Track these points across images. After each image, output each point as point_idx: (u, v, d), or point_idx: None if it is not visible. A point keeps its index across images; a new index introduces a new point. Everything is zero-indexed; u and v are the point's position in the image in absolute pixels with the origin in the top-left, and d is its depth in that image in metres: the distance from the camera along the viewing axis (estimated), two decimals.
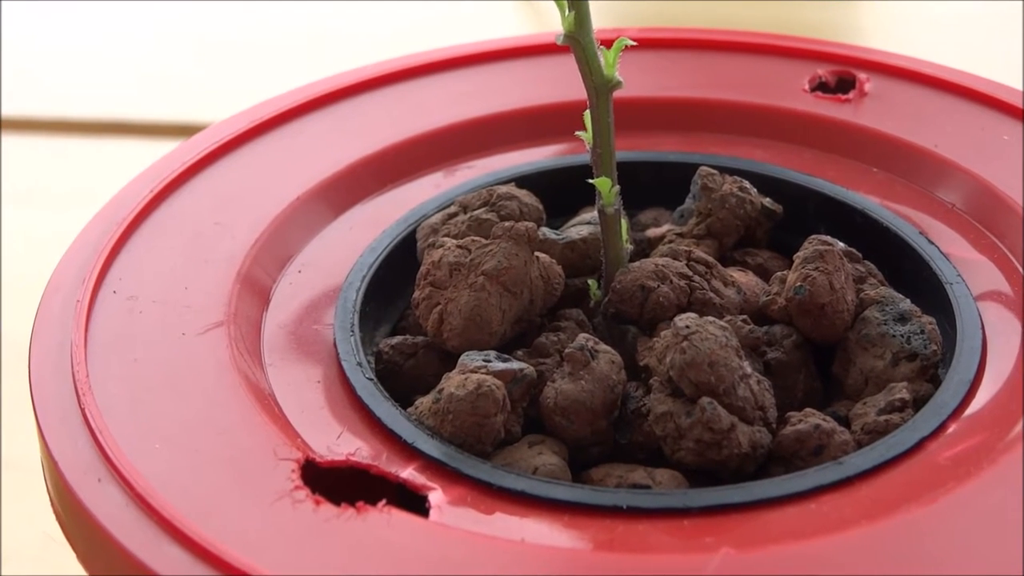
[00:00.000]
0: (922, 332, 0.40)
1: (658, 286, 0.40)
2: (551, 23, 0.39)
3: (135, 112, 0.83)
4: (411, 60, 0.52)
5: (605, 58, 0.39)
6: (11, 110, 0.84)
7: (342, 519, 0.34)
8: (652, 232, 0.45)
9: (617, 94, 0.40)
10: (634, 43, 0.40)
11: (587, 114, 0.40)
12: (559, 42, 0.39)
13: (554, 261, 0.41)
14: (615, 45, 0.39)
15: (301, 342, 0.41)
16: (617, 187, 0.40)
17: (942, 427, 0.37)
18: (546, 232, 0.42)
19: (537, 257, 0.40)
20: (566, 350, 0.38)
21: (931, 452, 0.36)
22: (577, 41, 0.39)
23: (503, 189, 0.44)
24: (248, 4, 0.95)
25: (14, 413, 0.62)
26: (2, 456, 0.60)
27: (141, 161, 0.76)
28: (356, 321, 0.41)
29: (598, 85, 0.39)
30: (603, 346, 0.38)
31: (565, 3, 0.38)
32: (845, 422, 0.38)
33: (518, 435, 0.38)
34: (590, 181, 0.40)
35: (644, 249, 0.44)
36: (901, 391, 0.38)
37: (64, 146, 0.82)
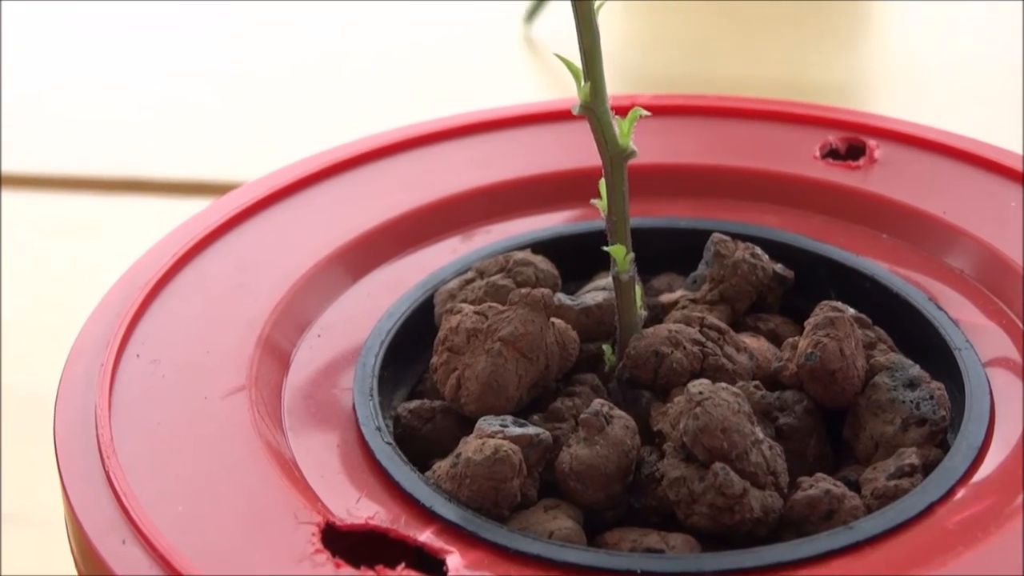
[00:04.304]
0: (931, 398, 0.40)
1: (672, 352, 0.40)
2: (567, 87, 0.39)
3: (144, 169, 0.84)
4: (429, 126, 0.52)
5: (620, 128, 0.40)
6: (12, 165, 0.84)
7: None
8: (666, 298, 0.45)
9: (631, 161, 0.40)
10: (648, 113, 0.40)
11: (602, 182, 0.41)
12: (575, 112, 0.40)
13: (569, 327, 0.42)
14: (629, 115, 0.40)
15: (321, 406, 0.41)
16: (632, 255, 0.41)
17: (951, 492, 0.37)
18: (561, 298, 0.43)
19: (553, 323, 0.41)
20: (581, 415, 0.39)
21: (940, 517, 0.37)
22: (593, 111, 0.40)
23: (519, 255, 0.45)
24: (264, 61, 0.95)
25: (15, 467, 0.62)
26: (2, 510, 0.61)
27: (146, 220, 0.77)
28: (375, 385, 0.42)
29: (613, 155, 0.40)
30: (617, 411, 0.39)
31: (581, 74, 0.39)
32: (856, 487, 0.39)
33: (534, 499, 0.38)
34: (605, 249, 0.41)
35: (658, 315, 0.45)
36: (911, 456, 0.39)
37: (69, 204, 0.82)
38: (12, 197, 0.81)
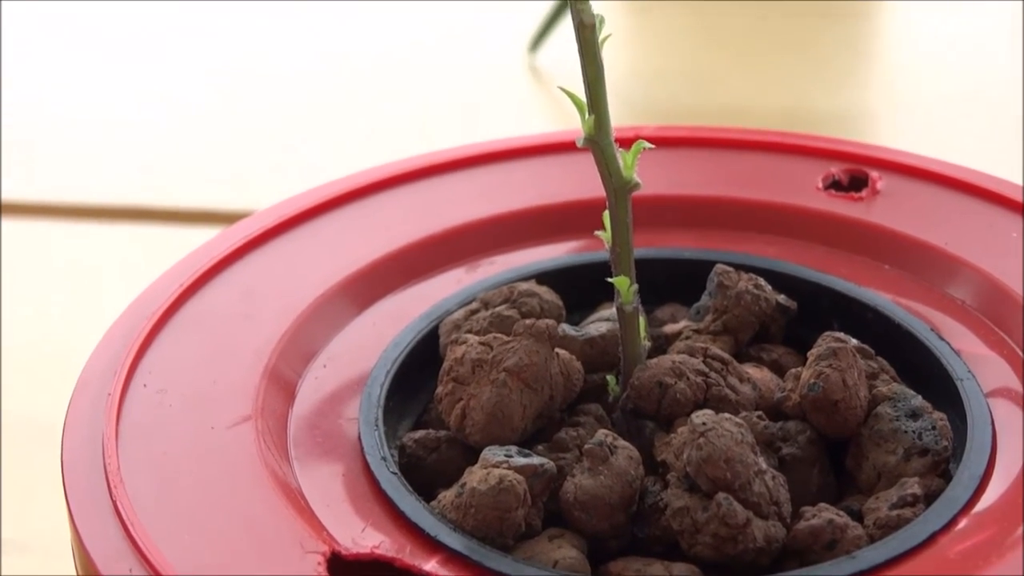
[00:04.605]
0: (933, 428, 0.40)
1: (675, 383, 0.41)
2: (571, 116, 0.40)
3: (146, 197, 0.84)
4: (434, 158, 0.53)
5: (624, 160, 0.40)
6: (12, 193, 0.84)
7: None
8: (669, 328, 0.46)
9: (635, 192, 0.41)
10: (652, 146, 0.41)
11: (606, 214, 0.41)
12: (579, 144, 0.40)
13: (574, 357, 0.42)
14: (633, 148, 0.40)
15: (326, 436, 0.42)
16: (635, 286, 0.41)
17: (953, 522, 0.38)
18: (566, 329, 0.43)
19: (557, 354, 0.41)
20: (585, 446, 0.39)
21: (942, 546, 0.37)
22: (597, 144, 0.40)
23: (524, 286, 0.45)
24: (269, 91, 0.96)
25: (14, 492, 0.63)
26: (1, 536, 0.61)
27: (147, 248, 0.77)
28: (380, 415, 0.42)
29: (617, 187, 0.40)
30: (621, 442, 0.39)
31: (585, 106, 0.40)
32: (858, 516, 0.39)
33: (538, 528, 0.39)
34: (609, 280, 0.41)
35: (661, 345, 0.45)
36: (913, 486, 0.39)
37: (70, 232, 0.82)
38: (13, 225, 0.81)
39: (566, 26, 0.40)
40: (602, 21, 0.39)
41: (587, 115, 0.40)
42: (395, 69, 0.98)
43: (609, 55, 0.39)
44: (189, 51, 1.02)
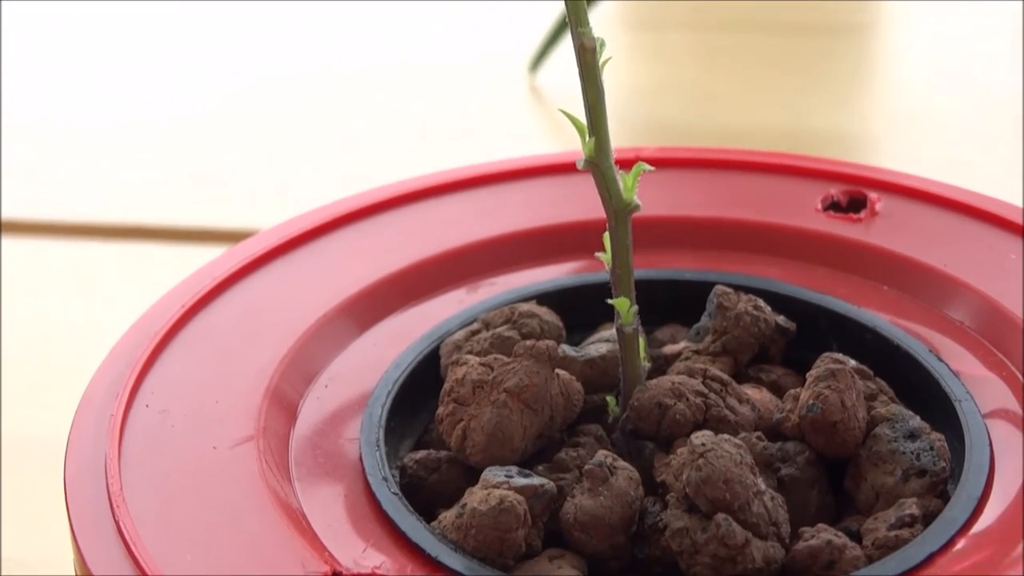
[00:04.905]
0: (931, 449, 0.41)
1: (675, 404, 0.41)
2: (572, 135, 0.40)
3: (149, 216, 0.84)
4: (434, 179, 0.53)
5: (624, 182, 0.41)
6: (12, 212, 0.85)
7: None
8: (669, 349, 0.46)
9: (635, 214, 0.41)
10: (652, 168, 0.41)
11: (606, 235, 0.41)
12: (580, 167, 0.40)
13: (574, 378, 0.42)
14: (633, 170, 0.40)
15: (328, 456, 0.42)
16: (635, 307, 0.41)
17: (951, 542, 0.38)
18: (566, 349, 0.44)
19: (557, 375, 0.42)
20: (585, 466, 0.39)
21: (940, 567, 0.37)
22: (597, 166, 0.40)
23: (524, 307, 0.45)
24: (269, 111, 0.96)
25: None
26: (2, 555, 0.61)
27: (149, 267, 0.77)
28: (381, 436, 0.42)
29: (617, 209, 0.41)
30: (621, 462, 0.39)
31: (586, 129, 0.40)
32: (857, 537, 0.39)
33: (539, 549, 0.39)
34: (609, 301, 0.41)
35: (661, 366, 0.45)
36: (911, 507, 0.39)
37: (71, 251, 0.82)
38: (13, 243, 0.81)
39: (567, 45, 0.40)
40: (602, 44, 0.39)
41: (588, 137, 0.40)
42: (395, 87, 0.98)
43: (609, 73, 0.40)
44: (190, 69, 1.02)
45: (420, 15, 1.07)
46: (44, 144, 0.93)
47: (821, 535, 0.38)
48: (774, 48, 1.01)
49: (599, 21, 0.40)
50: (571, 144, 0.41)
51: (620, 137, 0.41)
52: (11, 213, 0.84)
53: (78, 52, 1.05)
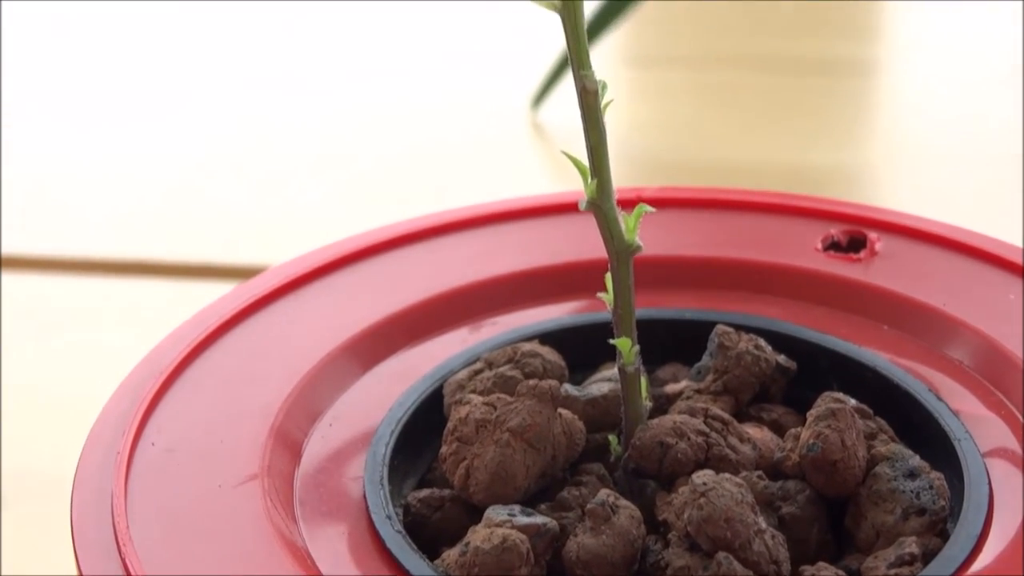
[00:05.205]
0: (931, 488, 0.41)
1: (676, 443, 0.41)
2: (574, 173, 0.40)
3: (152, 251, 0.84)
4: (437, 218, 0.53)
5: (626, 224, 0.41)
6: (13, 247, 0.85)
7: None
8: (671, 388, 0.46)
9: (637, 254, 0.41)
10: (653, 210, 0.41)
11: (608, 276, 0.42)
12: (582, 208, 0.41)
13: (576, 417, 0.43)
14: (635, 212, 0.41)
15: (332, 494, 0.42)
16: (637, 347, 0.42)
17: None
18: (568, 389, 0.44)
19: (560, 414, 0.42)
20: (588, 505, 0.39)
21: None
22: (599, 208, 0.41)
23: (527, 347, 0.46)
24: (272, 150, 0.96)
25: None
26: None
27: (152, 305, 0.78)
28: (385, 474, 0.42)
29: (619, 250, 0.41)
30: (623, 501, 0.40)
31: (588, 171, 0.40)
32: (857, 575, 0.40)
33: None
34: (611, 341, 0.42)
35: (663, 405, 0.45)
36: (911, 545, 0.39)
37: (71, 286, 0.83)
38: (13, 280, 0.82)
39: (568, 82, 0.41)
40: (604, 87, 0.40)
41: (590, 179, 0.40)
42: (397, 126, 0.98)
43: (610, 110, 0.40)
44: (197, 104, 1.03)
45: (423, 51, 1.08)
46: (46, 179, 0.93)
47: (821, 573, 0.38)
48: (775, 85, 1.02)
49: (599, 57, 0.40)
50: (573, 181, 0.41)
51: (620, 173, 0.41)
52: (15, 248, 0.84)
53: (84, 85, 1.06)
